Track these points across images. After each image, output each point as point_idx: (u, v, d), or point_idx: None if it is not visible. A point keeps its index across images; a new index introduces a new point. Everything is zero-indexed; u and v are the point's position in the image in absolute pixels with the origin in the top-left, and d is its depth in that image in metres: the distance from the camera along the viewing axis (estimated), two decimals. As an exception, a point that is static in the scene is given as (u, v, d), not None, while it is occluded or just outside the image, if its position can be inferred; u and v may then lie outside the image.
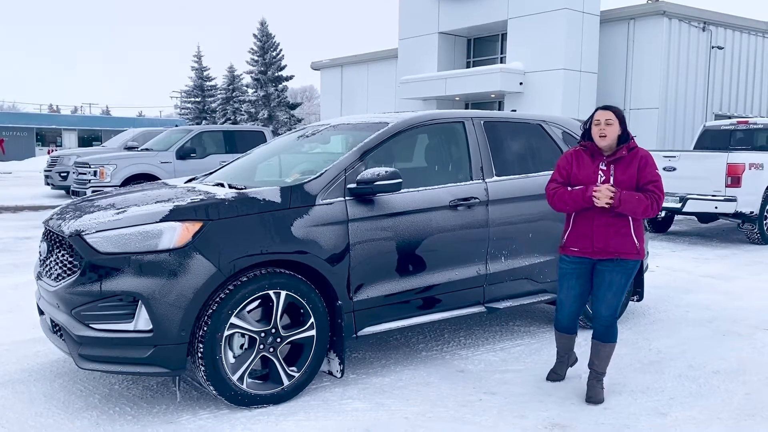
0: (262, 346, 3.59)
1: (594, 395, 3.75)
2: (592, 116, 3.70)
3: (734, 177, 9.38)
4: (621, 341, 4.69)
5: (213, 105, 47.37)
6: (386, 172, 3.90)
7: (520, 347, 4.76)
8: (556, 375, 4.08)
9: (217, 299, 3.43)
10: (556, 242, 4.61)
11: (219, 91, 47.88)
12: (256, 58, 41.65)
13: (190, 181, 4.83)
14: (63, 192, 16.75)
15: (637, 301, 5.48)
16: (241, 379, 3.53)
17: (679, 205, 9.89)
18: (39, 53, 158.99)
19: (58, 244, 3.76)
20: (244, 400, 3.56)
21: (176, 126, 22.24)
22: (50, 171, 16.94)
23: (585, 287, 3.80)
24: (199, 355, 3.41)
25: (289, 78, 42.06)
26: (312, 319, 3.71)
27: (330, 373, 3.92)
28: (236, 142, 13.76)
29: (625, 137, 3.65)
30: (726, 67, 20.18)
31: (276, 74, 41.47)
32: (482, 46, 22.35)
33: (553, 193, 3.72)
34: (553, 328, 4.04)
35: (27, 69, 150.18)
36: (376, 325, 4.04)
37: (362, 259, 3.92)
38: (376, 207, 4.01)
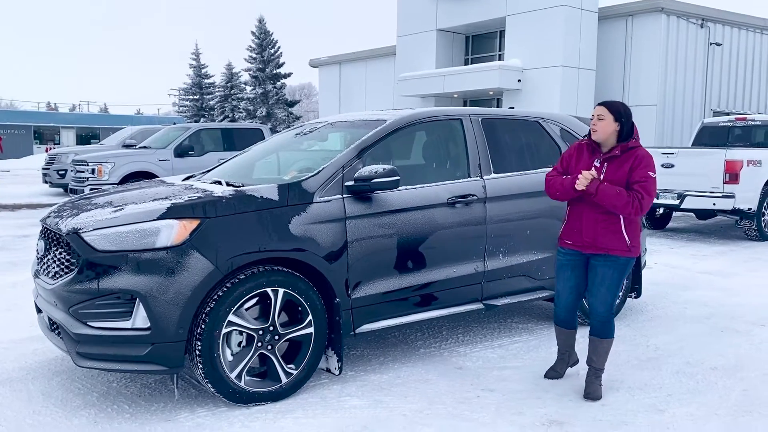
0: (260, 344, 3.59)
1: (592, 391, 3.76)
2: None
3: (732, 174, 9.39)
4: (619, 338, 4.71)
5: (211, 102, 47.32)
6: (384, 169, 3.89)
7: (518, 344, 4.76)
8: (554, 372, 4.08)
9: (215, 297, 3.43)
10: (553, 239, 4.62)
11: (217, 89, 47.82)
12: (254, 55, 41.61)
13: (187, 178, 4.82)
14: (61, 190, 16.73)
15: (635, 297, 5.49)
16: (239, 376, 3.53)
17: (677, 202, 9.90)
18: (37, 51, 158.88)
19: (55, 242, 3.76)
20: (242, 398, 3.56)
21: (174, 124, 22.23)
22: (48, 169, 16.92)
23: (580, 280, 3.83)
24: (197, 352, 3.41)
25: (287, 75, 42.04)
26: (310, 317, 3.71)
27: (328, 370, 3.92)
28: (234, 140, 13.74)
29: (625, 136, 3.64)
30: (724, 64, 20.20)
31: (274, 71, 41.44)
32: (480, 43, 22.35)
33: (550, 180, 3.82)
34: (553, 324, 4.05)
35: (25, 67, 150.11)
36: (374, 322, 4.04)
37: (360, 256, 3.92)
38: (373, 204, 4.01)
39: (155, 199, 3.70)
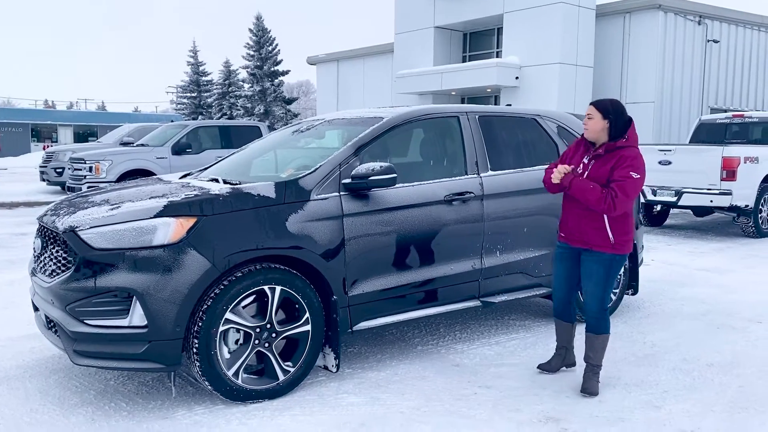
0: (257, 342, 3.59)
1: (589, 387, 3.77)
2: None
3: (729, 170, 9.40)
4: (616, 334, 4.72)
5: (209, 100, 47.22)
6: (381, 167, 3.90)
7: (516, 341, 4.77)
8: (548, 365, 4.12)
9: (212, 295, 3.43)
10: (550, 236, 4.64)
11: (215, 87, 47.72)
12: (252, 53, 41.50)
13: (184, 176, 4.82)
14: (58, 188, 16.71)
15: (632, 294, 5.50)
16: (236, 374, 3.54)
17: (674, 199, 9.91)
18: (34, 49, 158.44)
19: (52, 240, 3.76)
20: (239, 396, 3.56)
21: (172, 121, 22.19)
22: (45, 167, 16.89)
23: (571, 273, 3.89)
24: (194, 350, 3.41)
25: (285, 73, 41.93)
26: (307, 314, 3.72)
27: (325, 367, 3.92)
28: (232, 138, 13.73)
29: (617, 133, 3.65)
30: (722, 61, 20.20)
31: (272, 69, 41.34)
32: (478, 40, 22.34)
33: (545, 173, 3.90)
34: (550, 322, 4.09)
35: (22, 64, 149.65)
36: (371, 319, 4.04)
37: (357, 254, 3.92)
38: (371, 202, 4.01)
39: (152, 197, 3.70)
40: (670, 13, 18.71)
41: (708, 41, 19.65)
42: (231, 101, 44.41)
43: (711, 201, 9.58)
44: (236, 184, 3.92)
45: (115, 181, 11.94)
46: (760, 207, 9.91)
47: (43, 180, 17.18)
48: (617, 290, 5.32)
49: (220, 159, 5.24)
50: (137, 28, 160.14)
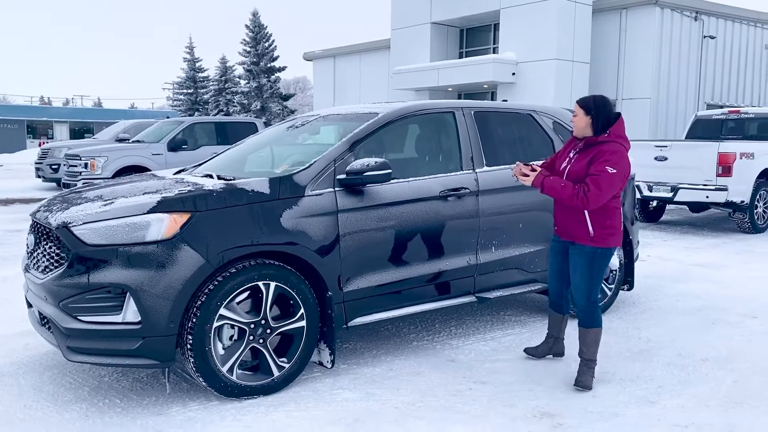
0: (251, 338, 3.58)
1: (583, 380, 3.78)
2: None
3: (725, 166, 9.41)
4: (611, 330, 4.72)
5: (205, 96, 47.17)
6: (376, 162, 3.88)
7: (511, 337, 4.77)
8: (534, 350, 4.25)
9: (206, 291, 3.42)
10: (546, 232, 4.64)
11: (211, 83, 47.66)
12: (248, 49, 41.42)
13: (179, 172, 4.80)
14: (54, 184, 16.65)
15: (628, 290, 5.50)
16: (230, 370, 3.53)
17: (670, 195, 9.92)
18: (30, 45, 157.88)
19: (45, 237, 3.74)
20: (234, 392, 3.55)
21: (168, 117, 22.13)
22: (41, 163, 16.82)
23: (563, 266, 3.96)
24: (189, 346, 3.40)
25: (281, 69, 41.88)
26: (302, 310, 3.71)
27: (321, 363, 3.92)
28: (228, 134, 13.67)
29: (599, 128, 3.67)
30: (718, 57, 20.23)
31: (268, 65, 41.28)
32: (475, 36, 22.32)
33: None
34: (545, 317, 4.13)
35: (18, 61, 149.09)
36: (366, 315, 4.04)
37: (352, 249, 3.91)
38: (365, 198, 4.00)
39: (146, 193, 3.69)
40: (667, 9, 18.72)
41: (704, 37, 19.67)
42: (227, 98, 44.36)
43: (707, 197, 9.60)
44: (230, 179, 3.90)
45: (110, 178, 11.91)
46: (756, 203, 9.92)
47: (39, 176, 17.11)
48: (612, 286, 5.32)
49: (215, 155, 5.22)
50: (133, 25, 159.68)
